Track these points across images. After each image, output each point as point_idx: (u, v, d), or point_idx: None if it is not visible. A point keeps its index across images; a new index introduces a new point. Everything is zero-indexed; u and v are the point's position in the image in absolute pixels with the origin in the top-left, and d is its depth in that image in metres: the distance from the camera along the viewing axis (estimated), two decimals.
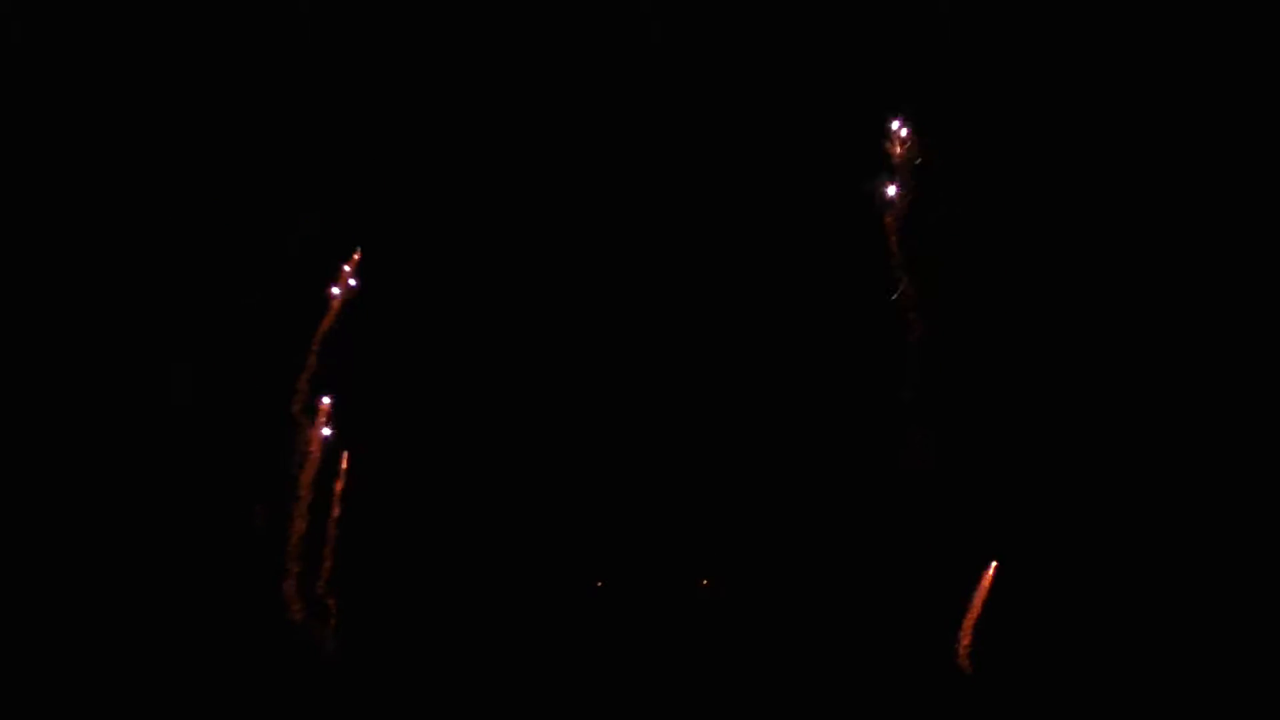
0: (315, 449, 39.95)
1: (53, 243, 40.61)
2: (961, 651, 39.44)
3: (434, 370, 41.07)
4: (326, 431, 40.09)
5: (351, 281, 40.62)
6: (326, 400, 40.15)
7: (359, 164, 41.25)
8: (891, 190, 40.24)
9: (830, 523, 40.64)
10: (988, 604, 39.53)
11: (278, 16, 40.88)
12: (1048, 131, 40.72)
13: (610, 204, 41.52)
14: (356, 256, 40.59)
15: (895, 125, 40.09)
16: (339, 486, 40.02)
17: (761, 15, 41.46)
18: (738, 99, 41.47)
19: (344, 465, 40.06)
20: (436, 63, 41.50)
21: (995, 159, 40.59)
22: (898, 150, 40.17)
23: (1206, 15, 40.09)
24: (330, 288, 40.49)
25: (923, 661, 39.66)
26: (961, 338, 40.54)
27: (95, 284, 40.67)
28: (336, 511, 39.96)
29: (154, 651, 38.83)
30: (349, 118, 41.29)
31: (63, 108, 40.81)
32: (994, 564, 39.45)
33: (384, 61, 41.39)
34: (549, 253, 41.47)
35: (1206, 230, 40.27)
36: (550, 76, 41.57)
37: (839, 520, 40.59)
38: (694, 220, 41.57)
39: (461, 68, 41.52)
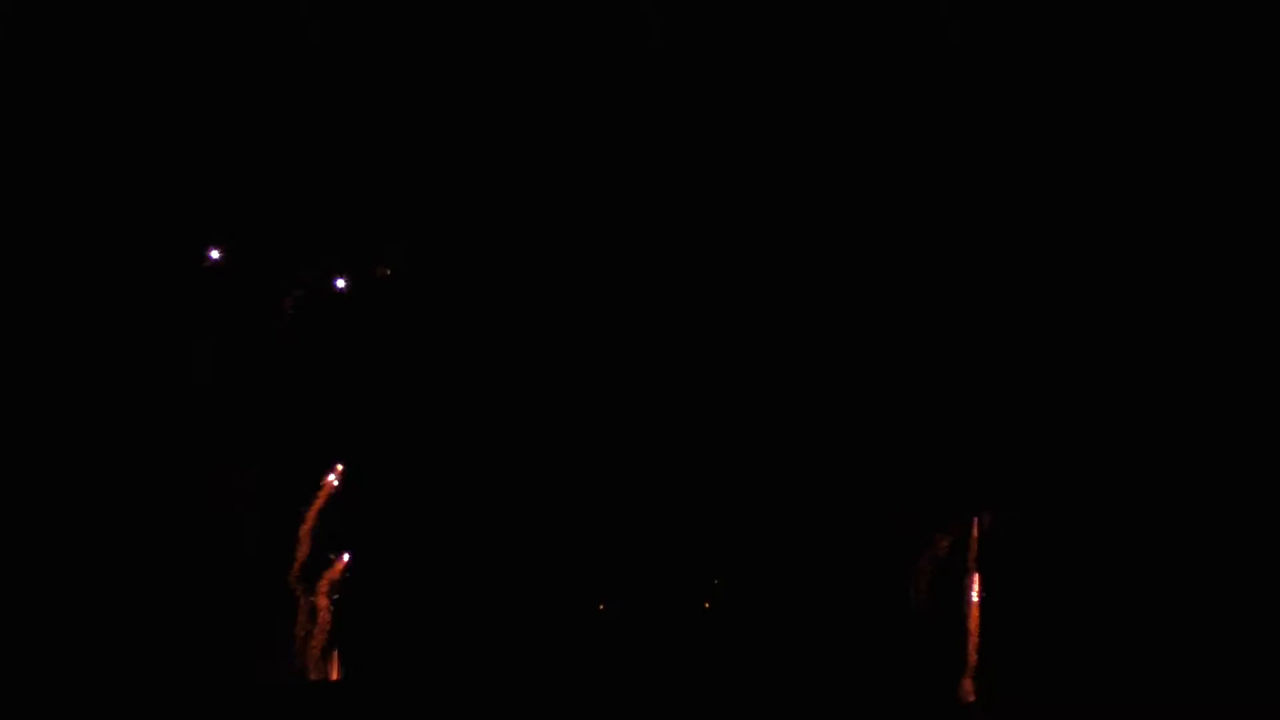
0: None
1: (52, 244, 40.72)
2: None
3: (437, 378, 41.19)
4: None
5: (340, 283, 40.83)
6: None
7: (359, 164, 41.33)
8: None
9: (829, 529, 40.87)
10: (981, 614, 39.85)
11: (278, 21, 40.95)
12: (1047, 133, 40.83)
13: (610, 205, 41.59)
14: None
15: None
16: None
17: (761, 15, 41.47)
18: (738, 99, 41.50)
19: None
20: (435, 63, 41.53)
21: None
22: None
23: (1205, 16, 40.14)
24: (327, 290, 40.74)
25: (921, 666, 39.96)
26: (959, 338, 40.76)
27: (95, 284, 40.78)
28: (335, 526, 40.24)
29: (153, 656, 39.08)
30: (348, 119, 41.34)
31: (63, 108, 40.88)
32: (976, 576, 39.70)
33: (382, 62, 41.43)
34: (548, 254, 41.55)
35: (1205, 232, 40.39)
36: (550, 76, 41.60)
37: (838, 526, 40.83)
38: (694, 221, 41.65)
39: (461, 68, 41.55)
